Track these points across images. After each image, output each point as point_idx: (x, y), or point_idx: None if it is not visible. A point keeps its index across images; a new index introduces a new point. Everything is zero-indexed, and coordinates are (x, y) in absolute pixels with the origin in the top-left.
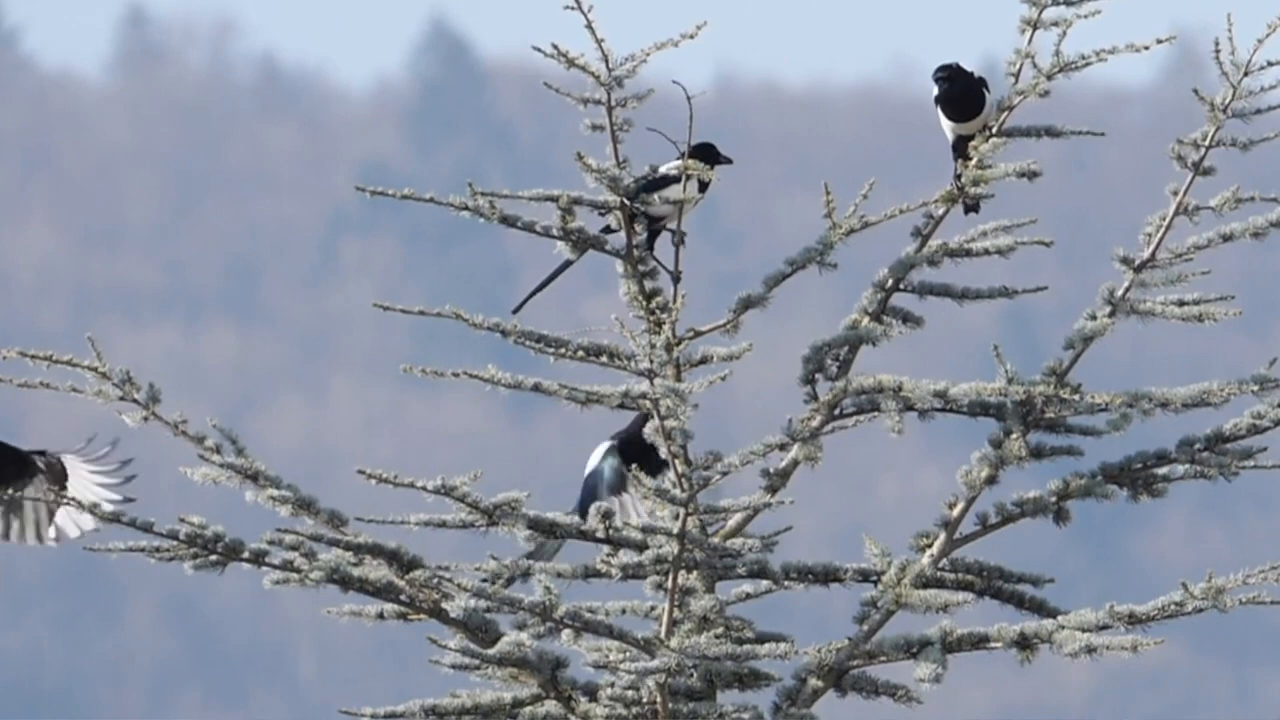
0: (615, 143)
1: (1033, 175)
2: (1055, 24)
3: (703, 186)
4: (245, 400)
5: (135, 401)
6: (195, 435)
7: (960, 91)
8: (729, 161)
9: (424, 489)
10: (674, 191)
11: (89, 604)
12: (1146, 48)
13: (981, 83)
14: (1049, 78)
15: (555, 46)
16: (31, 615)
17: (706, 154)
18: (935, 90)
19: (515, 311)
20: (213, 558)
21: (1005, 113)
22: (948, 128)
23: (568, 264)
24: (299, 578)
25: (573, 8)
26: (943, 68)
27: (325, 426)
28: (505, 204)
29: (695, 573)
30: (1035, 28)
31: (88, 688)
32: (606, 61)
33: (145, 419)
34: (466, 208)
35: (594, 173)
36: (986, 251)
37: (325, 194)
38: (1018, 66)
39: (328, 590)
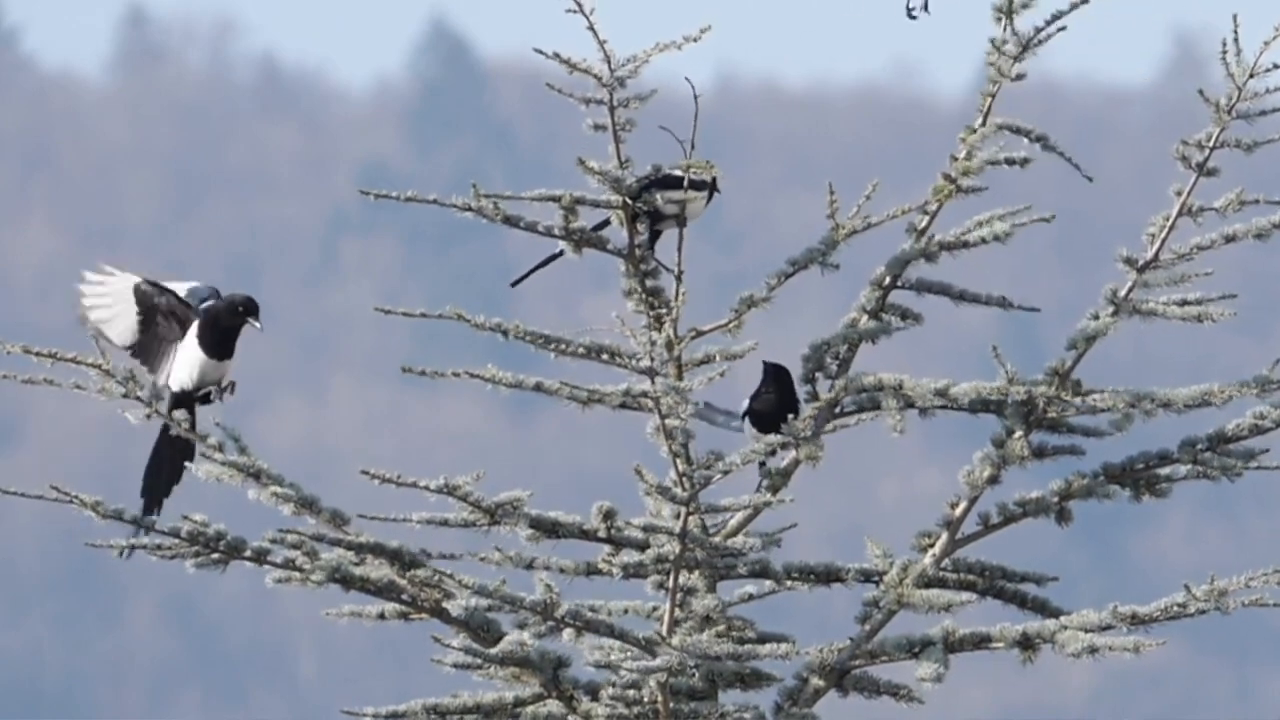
0: (618, 143)
1: (1023, 162)
2: (1026, 5)
3: (710, 192)
4: (245, 400)
5: (138, 399)
6: (198, 434)
7: None
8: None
9: (426, 489)
10: (679, 193)
11: (89, 604)
12: (1085, 1)
13: None
14: (1016, 59)
15: (557, 55)
16: (31, 615)
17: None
18: None
19: (514, 285)
20: (214, 556)
21: (989, 99)
22: None
23: (561, 252)
24: (301, 577)
25: (575, 10)
26: None
27: (325, 426)
28: (507, 205)
29: (697, 572)
30: (1009, 15)
31: (88, 688)
32: (609, 62)
33: (148, 417)
34: (470, 209)
35: (595, 175)
36: (983, 240)
37: (325, 194)
38: (994, 55)
39: (329, 590)
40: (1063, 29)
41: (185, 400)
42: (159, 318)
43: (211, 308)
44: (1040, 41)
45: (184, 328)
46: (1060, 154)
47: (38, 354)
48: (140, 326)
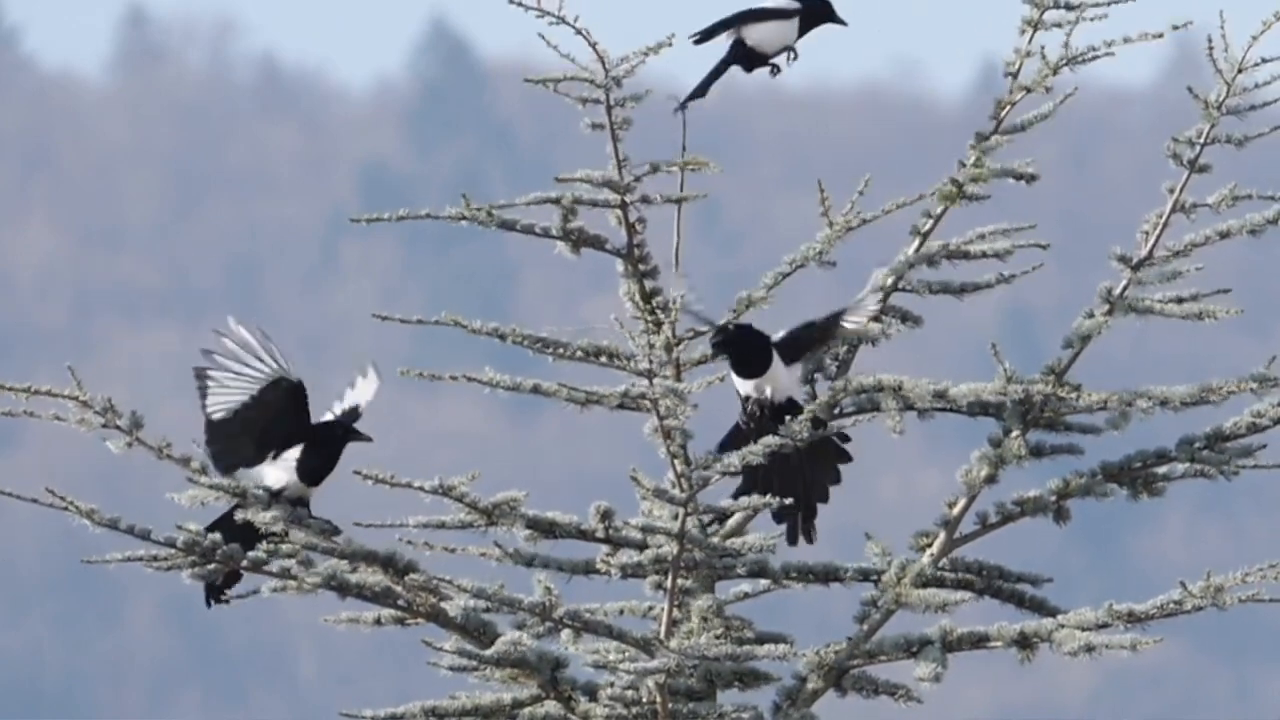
0: (615, 141)
1: (1031, 178)
2: (1058, 25)
3: (805, 26)
4: None
5: (118, 429)
6: (180, 458)
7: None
8: (843, 23)
9: (421, 489)
10: (771, 30)
11: (89, 604)
12: (1160, 35)
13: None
14: (1055, 71)
15: (556, 48)
16: (31, 615)
17: (822, 8)
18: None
19: (684, 105)
20: (210, 566)
21: (1007, 108)
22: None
23: (723, 68)
24: (296, 585)
25: (557, 22)
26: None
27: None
28: (502, 212)
29: (694, 573)
30: (1036, 28)
31: (88, 688)
32: (603, 63)
33: (129, 445)
34: (463, 218)
35: (585, 183)
36: (984, 254)
37: (325, 194)
38: (1017, 66)
39: (326, 595)
40: (1111, 54)
41: (287, 500)
42: (269, 413)
43: (320, 435)
44: (1087, 60)
45: (287, 441)
46: (1061, 101)
47: (13, 390)
48: (240, 410)
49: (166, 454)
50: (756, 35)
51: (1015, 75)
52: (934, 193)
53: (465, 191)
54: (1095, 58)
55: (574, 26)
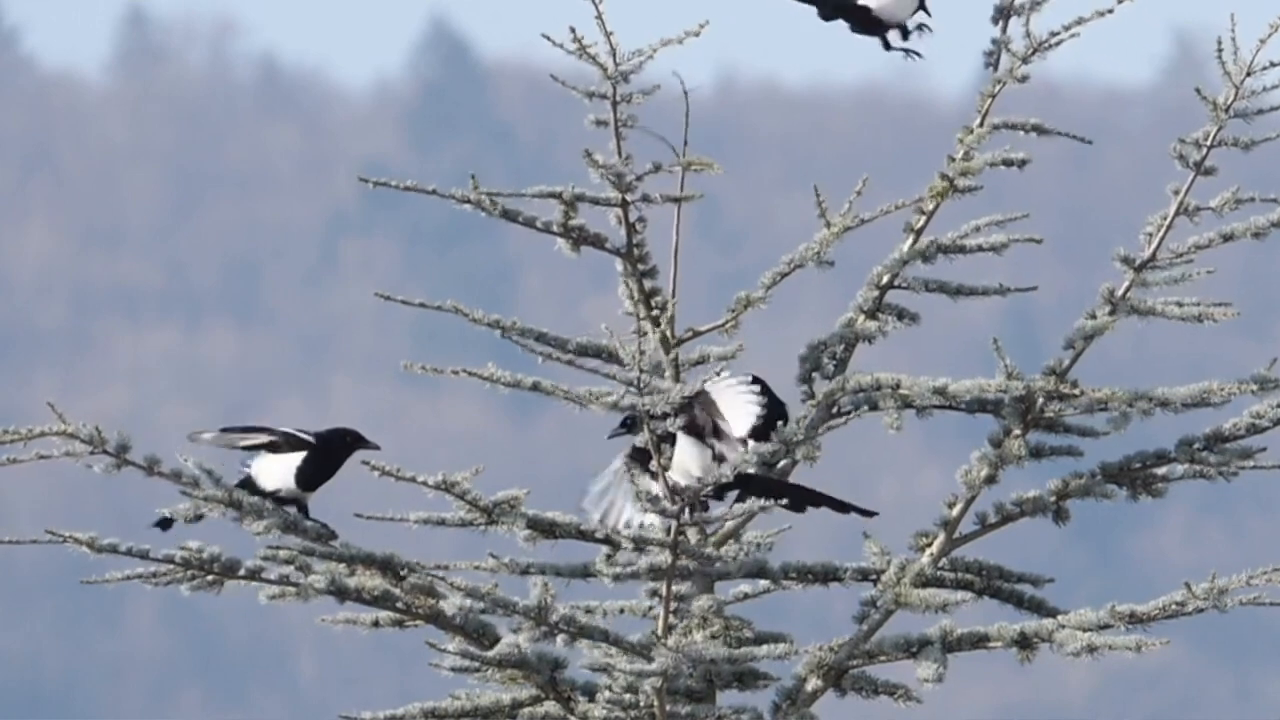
0: (619, 139)
1: (1021, 164)
2: (1023, 9)
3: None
4: (245, 401)
5: (107, 453)
6: (170, 473)
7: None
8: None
9: (424, 484)
10: None
11: (89, 604)
12: (1110, 11)
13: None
14: (1024, 60)
15: (572, 30)
16: (31, 615)
17: None
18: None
19: None
20: (209, 578)
21: (989, 100)
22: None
23: None
24: (297, 592)
25: None
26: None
27: (325, 426)
28: (506, 202)
29: (690, 580)
30: (1008, 17)
31: (88, 688)
32: (614, 54)
33: (118, 467)
34: (468, 201)
35: (599, 168)
36: (980, 248)
37: (325, 194)
38: (996, 56)
39: (325, 596)
40: (1075, 35)
41: (260, 493)
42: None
43: (323, 441)
44: (1051, 45)
45: (278, 448)
46: (1058, 133)
47: None
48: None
49: (157, 471)
50: None
51: (996, 66)
52: (930, 195)
53: (473, 174)
54: (1059, 42)
55: (596, 5)
